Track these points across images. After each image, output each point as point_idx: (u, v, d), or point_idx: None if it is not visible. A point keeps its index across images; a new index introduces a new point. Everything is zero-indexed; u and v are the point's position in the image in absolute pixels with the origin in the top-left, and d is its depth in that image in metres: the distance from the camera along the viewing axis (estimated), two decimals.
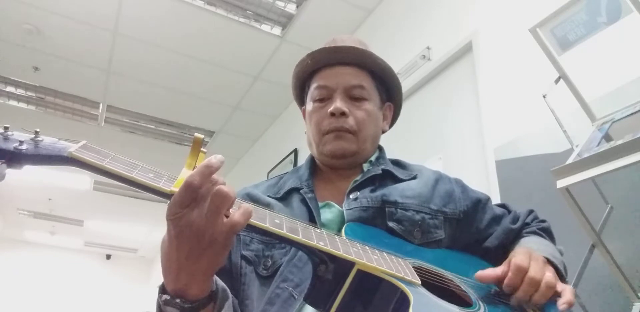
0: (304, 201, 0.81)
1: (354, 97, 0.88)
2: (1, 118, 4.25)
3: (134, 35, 3.21)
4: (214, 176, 0.51)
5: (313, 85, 0.91)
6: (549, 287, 0.65)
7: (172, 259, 0.52)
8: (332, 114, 0.85)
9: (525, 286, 0.65)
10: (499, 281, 0.68)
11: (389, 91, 0.97)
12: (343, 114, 0.85)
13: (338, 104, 0.85)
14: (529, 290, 0.65)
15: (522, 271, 0.66)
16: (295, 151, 3.54)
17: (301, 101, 1.00)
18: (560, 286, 0.67)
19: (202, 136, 0.53)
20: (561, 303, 0.64)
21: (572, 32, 1.16)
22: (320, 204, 0.82)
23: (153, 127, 4.45)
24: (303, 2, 2.86)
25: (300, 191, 0.84)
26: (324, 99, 0.89)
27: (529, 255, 0.70)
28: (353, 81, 0.88)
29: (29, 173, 5.14)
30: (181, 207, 0.49)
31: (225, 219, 0.51)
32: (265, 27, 3.10)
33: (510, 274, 0.66)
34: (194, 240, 0.50)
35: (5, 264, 8.02)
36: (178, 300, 0.53)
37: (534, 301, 0.65)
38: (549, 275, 0.66)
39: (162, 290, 0.55)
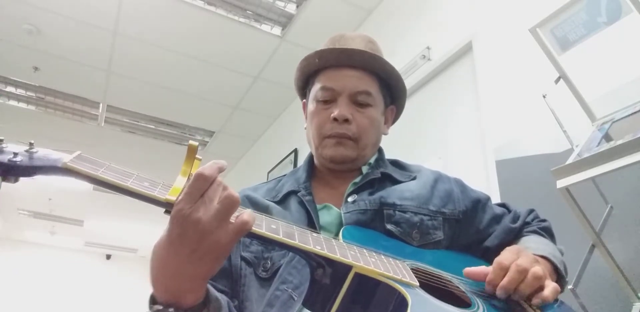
0: (302, 204, 0.81)
1: (358, 103, 0.86)
2: (1, 118, 4.25)
3: (134, 35, 3.20)
4: (221, 180, 0.51)
5: (318, 85, 0.89)
6: (535, 278, 0.62)
7: (169, 263, 0.51)
8: (335, 119, 0.84)
9: (512, 273, 0.63)
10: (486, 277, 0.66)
11: (393, 94, 0.95)
12: (346, 120, 0.84)
13: (342, 109, 0.84)
14: (517, 277, 0.62)
15: (504, 268, 0.64)
16: (295, 151, 3.53)
17: (303, 94, 0.99)
18: (547, 282, 0.64)
19: (196, 144, 0.52)
20: (536, 296, 0.63)
21: (572, 32, 1.16)
22: (318, 206, 0.81)
23: (153, 127, 4.44)
24: (303, 2, 2.86)
25: (298, 194, 0.83)
26: (328, 101, 0.87)
27: (517, 251, 0.69)
28: (360, 86, 0.86)
29: None
30: (190, 202, 0.49)
31: (233, 221, 0.51)
32: (265, 27, 3.10)
33: (492, 269, 0.65)
34: (197, 242, 0.49)
35: (5, 264, 8.01)
36: (171, 309, 0.53)
37: (519, 291, 0.63)
38: (538, 267, 0.64)
39: (153, 301, 0.54)
